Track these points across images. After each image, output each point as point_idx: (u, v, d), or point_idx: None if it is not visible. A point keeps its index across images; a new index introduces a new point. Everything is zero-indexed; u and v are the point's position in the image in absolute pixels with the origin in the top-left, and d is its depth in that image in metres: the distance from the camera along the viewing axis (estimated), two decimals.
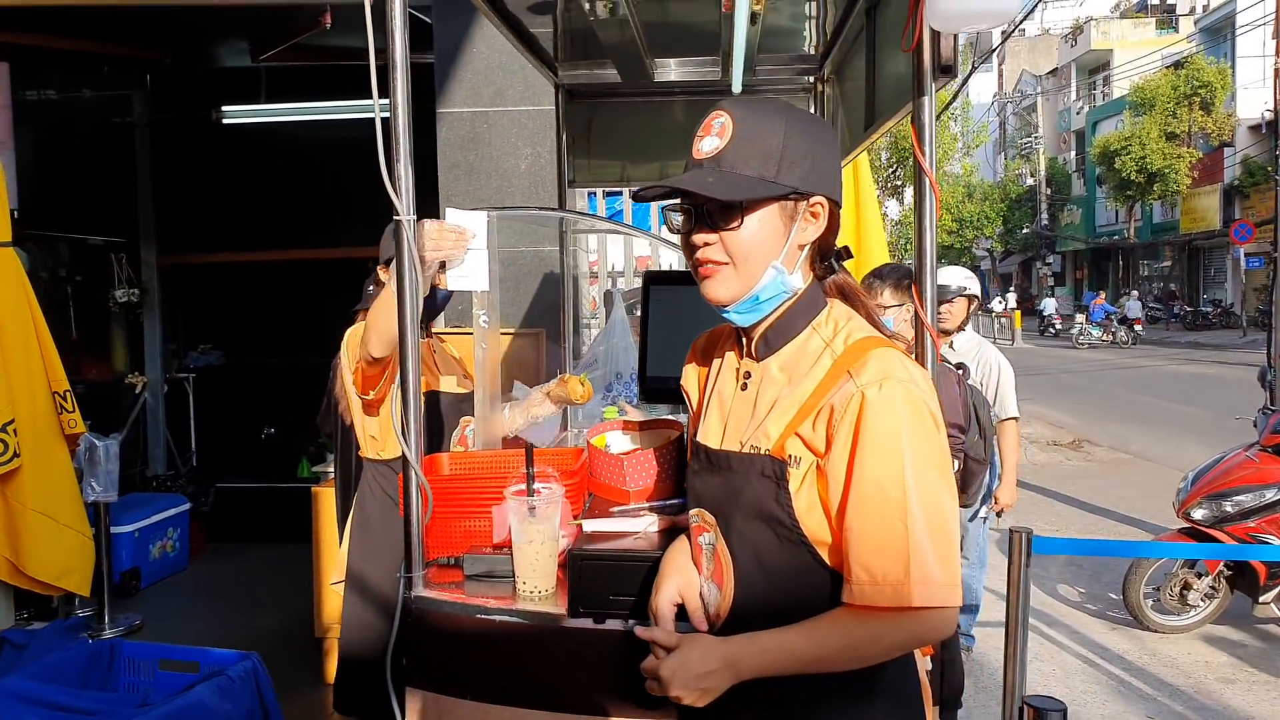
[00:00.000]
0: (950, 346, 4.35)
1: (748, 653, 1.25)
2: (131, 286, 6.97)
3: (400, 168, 1.61)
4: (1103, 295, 31.01)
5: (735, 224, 1.26)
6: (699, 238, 1.29)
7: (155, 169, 7.22)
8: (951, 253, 41.01)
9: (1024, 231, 42.11)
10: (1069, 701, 4.16)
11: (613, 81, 3.40)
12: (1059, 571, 5.95)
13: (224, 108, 7.13)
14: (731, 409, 1.38)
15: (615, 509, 1.77)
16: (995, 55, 49.22)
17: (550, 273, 4.85)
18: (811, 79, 3.46)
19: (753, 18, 2.47)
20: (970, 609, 4.51)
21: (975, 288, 4.34)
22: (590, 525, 1.66)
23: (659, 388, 1.84)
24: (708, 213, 1.27)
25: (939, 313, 4.33)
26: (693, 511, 1.41)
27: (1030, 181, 42.85)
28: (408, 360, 1.64)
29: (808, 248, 1.32)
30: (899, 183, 24.47)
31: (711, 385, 1.45)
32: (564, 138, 3.51)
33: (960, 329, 4.34)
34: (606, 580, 1.53)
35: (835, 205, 1.32)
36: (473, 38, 5.03)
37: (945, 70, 1.61)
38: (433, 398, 2.58)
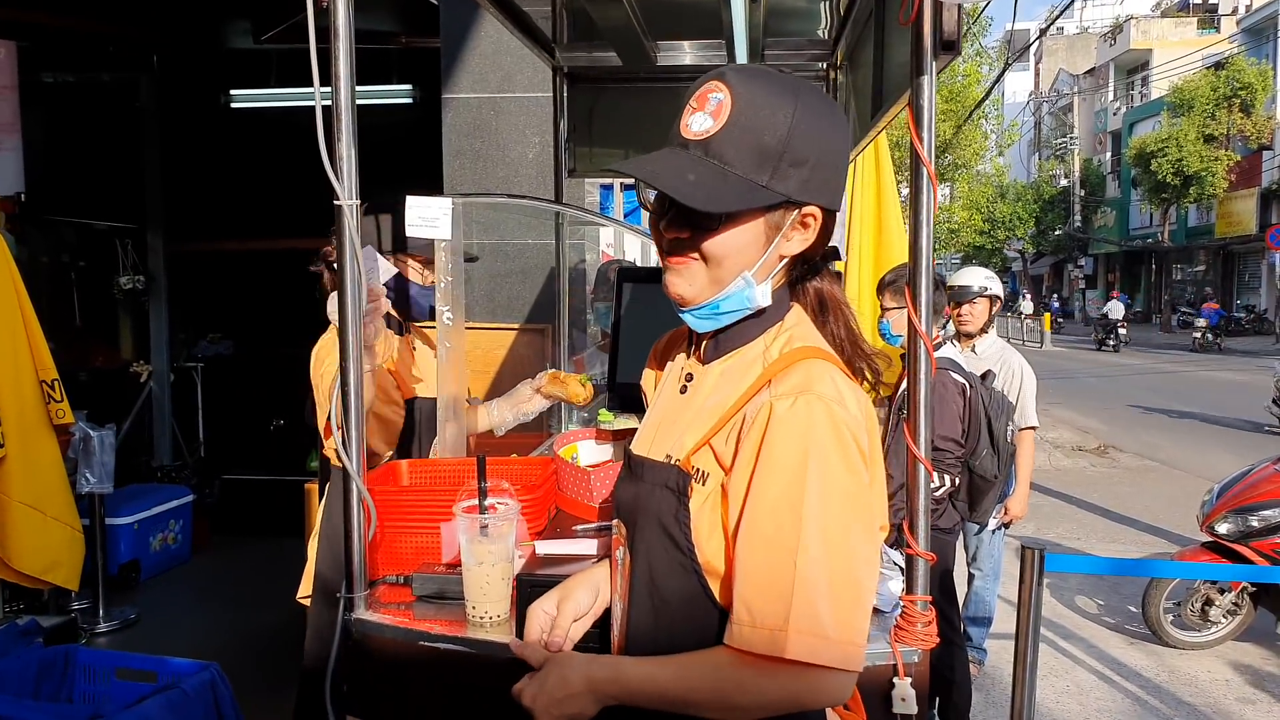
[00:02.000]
0: (973, 350, 4.19)
1: (611, 678, 1.10)
2: (137, 273, 6.91)
3: (342, 148, 1.47)
4: (1214, 301, 29.37)
5: (712, 227, 1.09)
6: (670, 233, 1.12)
7: (163, 153, 7.15)
8: (983, 253, 40.48)
9: (1056, 233, 41.50)
10: (1083, 719, 3.99)
11: (614, 65, 3.25)
12: (1078, 583, 5.74)
13: (233, 91, 7.04)
14: (665, 413, 1.24)
15: (579, 527, 1.62)
16: (1032, 53, 48.56)
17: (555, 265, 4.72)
18: (824, 65, 3.29)
19: None
20: (983, 621, 4.35)
21: (997, 288, 4.20)
22: (544, 547, 1.51)
23: (631, 395, 1.69)
24: (684, 208, 1.08)
25: (960, 315, 4.20)
26: (614, 522, 1.26)
27: (1064, 182, 42.21)
28: (349, 359, 1.50)
29: (788, 259, 1.16)
30: None
31: (660, 386, 1.32)
32: (562, 124, 3.37)
33: (983, 331, 4.19)
34: None
35: (830, 214, 1.15)
36: (480, 22, 4.89)
37: (947, 46, 1.44)
38: (410, 405, 2.41)
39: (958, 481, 3.39)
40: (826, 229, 1.16)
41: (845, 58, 3.08)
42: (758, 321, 1.18)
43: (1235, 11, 36.91)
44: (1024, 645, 2.96)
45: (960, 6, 1.43)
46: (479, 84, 4.93)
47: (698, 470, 1.12)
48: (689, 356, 1.26)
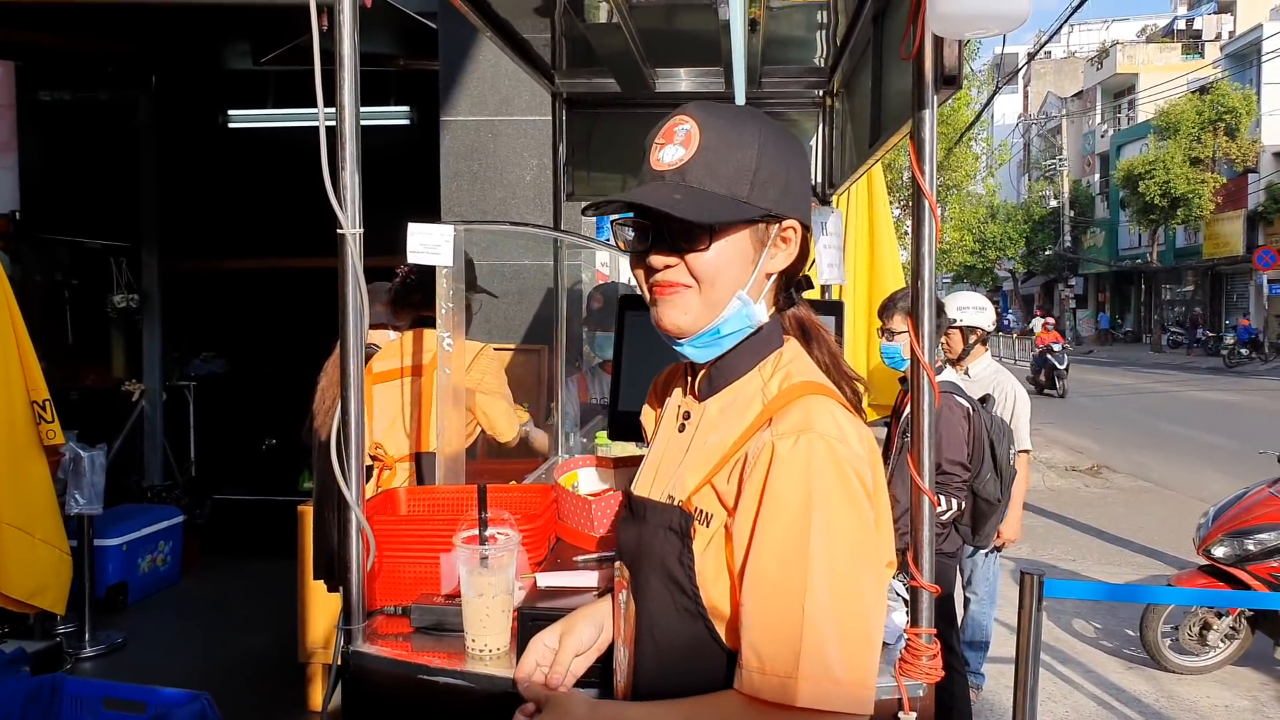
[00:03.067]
0: (966, 374, 4.19)
1: None
2: (131, 292, 6.88)
3: (346, 177, 1.46)
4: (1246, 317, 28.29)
5: (702, 246, 1.09)
6: (658, 259, 1.11)
7: (159, 172, 7.14)
8: (974, 273, 40.70)
9: (1047, 253, 41.76)
10: None
11: (613, 91, 3.26)
12: (1075, 606, 5.73)
13: (230, 111, 7.05)
14: (665, 453, 1.23)
15: (579, 558, 1.61)
16: (1020, 76, 49.03)
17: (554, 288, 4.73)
18: (820, 93, 3.32)
19: (752, 25, 2.32)
20: (980, 645, 4.33)
21: (972, 319, 4.08)
22: (545, 579, 1.50)
23: (630, 424, 1.68)
24: (669, 232, 1.09)
25: (946, 340, 4.22)
26: (616, 565, 1.24)
27: (1054, 203, 42.53)
28: (349, 390, 1.49)
29: (774, 277, 1.17)
30: None
31: (660, 425, 1.31)
32: (561, 148, 3.38)
33: (961, 360, 4.16)
34: None
35: (807, 230, 1.17)
36: (478, 45, 4.91)
37: (949, 81, 1.45)
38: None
39: (963, 506, 3.39)
40: (805, 245, 1.18)
41: (842, 86, 3.10)
42: (750, 351, 1.17)
43: (1219, 37, 37.37)
44: (1024, 671, 2.95)
45: (960, 42, 1.44)
46: (477, 107, 4.95)
47: (700, 511, 1.10)
48: (685, 393, 1.25)
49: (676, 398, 1.27)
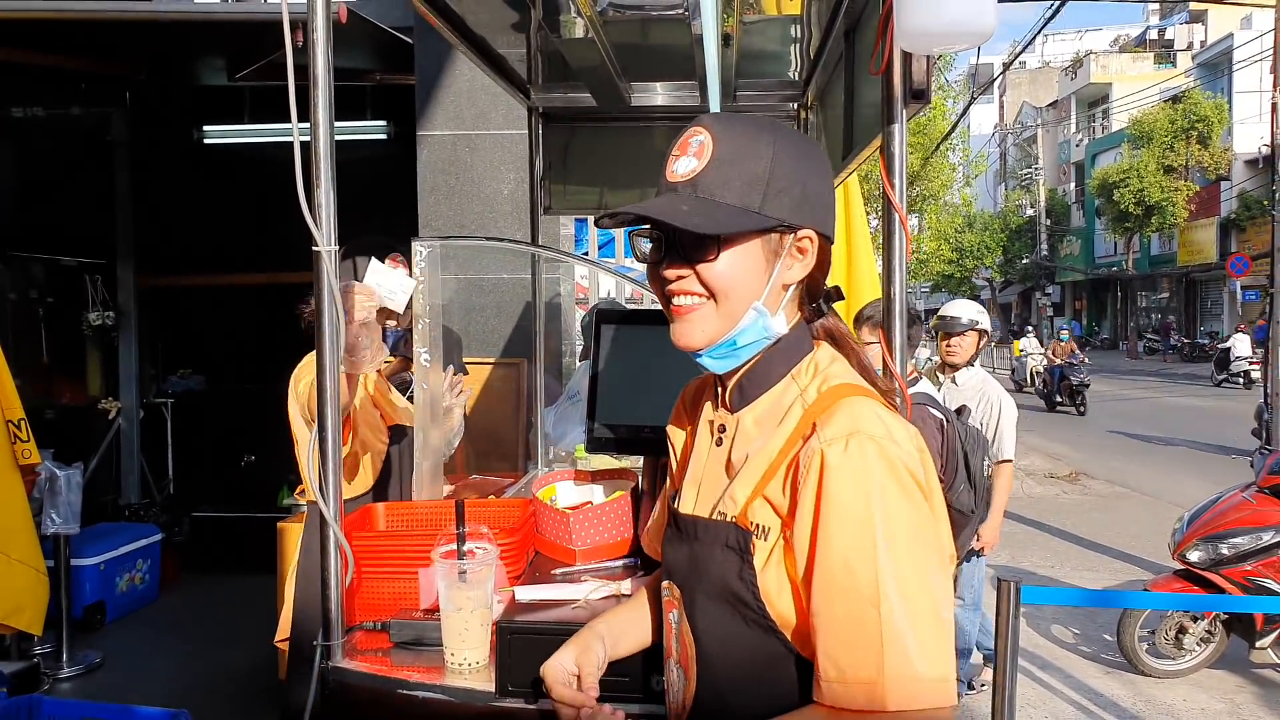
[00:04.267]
0: (953, 382, 4.26)
1: None
2: (106, 309, 6.83)
3: (320, 194, 1.47)
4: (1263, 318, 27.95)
5: (711, 257, 1.08)
6: (671, 271, 1.11)
7: (135, 188, 7.11)
8: (951, 282, 41.02)
9: (1024, 262, 42.16)
10: None
11: (589, 105, 3.28)
12: (1053, 612, 5.77)
13: (205, 127, 7.03)
14: (706, 468, 1.21)
15: (558, 571, 1.62)
16: (996, 86, 49.56)
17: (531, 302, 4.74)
18: (795, 106, 3.35)
19: (725, 40, 2.35)
20: (963, 652, 4.35)
21: (986, 322, 4.26)
22: (524, 593, 1.50)
23: (607, 437, 1.69)
24: (680, 244, 1.09)
25: (949, 346, 4.28)
26: (664, 584, 1.23)
27: (1030, 212, 42.98)
28: (326, 403, 1.49)
29: (793, 287, 1.15)
30: None
31: (693, 441, 1.28)
32: (538, 162, 3.39)
33: (969, 364, 4.26)
34: (539, 655, 1.36)
35: (826, 240, 1.15)
36: (455, 60, 4.93)
37: (917, 95, 1.48)
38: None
39: None
40: (824, 256, 1.16)
41: (816, 99, 3.14)
42: (781, 358, 1.16)
43: (1190, 47, 37.93)
44: (1002, 677, 2.97)
45: (929, 58, 1.47)
46: (454, 121, 4.96)
47: (757, 526, 1.09)
48: (716, 407, 1.23)
49: (708, 412, 1.25)
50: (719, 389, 1.22)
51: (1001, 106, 51.80)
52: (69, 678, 4.62)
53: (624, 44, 2.71)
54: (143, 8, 4.71)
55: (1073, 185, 42.05)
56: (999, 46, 44.37)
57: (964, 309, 4.29)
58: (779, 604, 1.07)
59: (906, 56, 1.47)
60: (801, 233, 1.11)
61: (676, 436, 1.35)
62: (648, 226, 1.13)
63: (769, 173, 1.09)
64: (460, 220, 4.96)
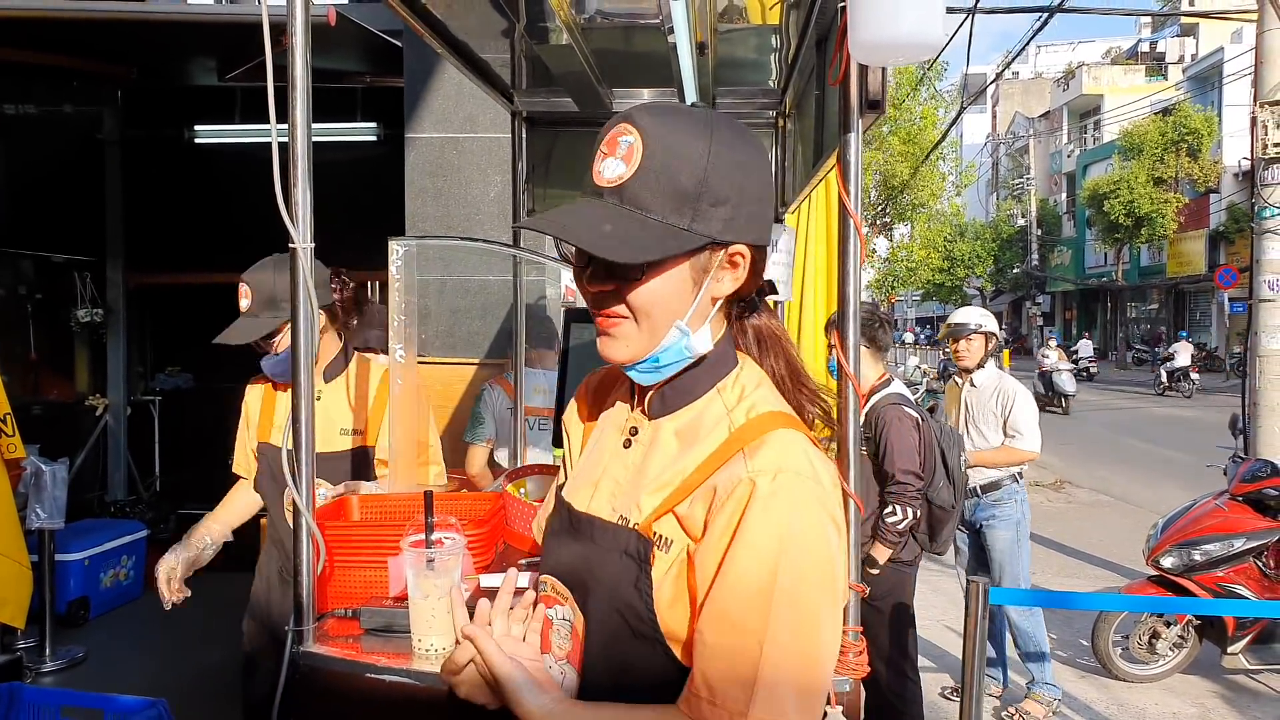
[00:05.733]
0: (971, 384, 4.44)
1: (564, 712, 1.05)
2: (95, 306, 6.86)
3: (298, 193, 1.52)
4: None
5: (635, 277, 1.03)
6: (594, 286, 1.07)
7: (125, 186, 7.14)
8: (942, 290, 41.19)
9: (1015, 271, 42.37)
10: None
11: (571, 110, 3.33)
12: None
13: (196, 127, 7.07)
14: (607, 467, 1.17)
15: (524, 561, 1.67)
16: (989, 96, 49.82)
17: (526, 304, 4.79)
18: (774, 114, 3.41)
19: (700, 48, 2.40)
20: (1041, 656, 4.39)
21: (991, 325, 4.44)
22: (487, 580, 1.55)
23: None
24: (604, 259, 1.01)
25: (956, 350, 4.45)
26: (542, 578, 1.18)
27: (1021, 222, 43.19)
28: (300, 398, 1.54)
29: (722, 300, 1.11)
30: (888, 219, 24.56)
31: (594, 435, 1.26)
32: (521, 165, 3.44)
33: (980, 366, 4.42)
34: None
35: (760, 250, 1.10)
36: (443, 63, 4.98)
37: (873, 105, 1.53)
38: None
39: (919, 514, 3.48)
40: (757, 266, 1.11)
41: (793, 107, 3.20)
42: (707, 372, 1.13)
43: (1182, 60, 38.21)
44: (970, 678, 3.03)
45: (884, 70, 1.53)
46: (442, 124, 5.01)
47: (660, 537, 1.07)
48: (633, 408, 1.20)
49: (620, 411, 1.22)
50: (636, 392, 1.18)
51: (994, 116, 52.09)
52: (51, 671, 4.65)
53: (604, 50, 2.76)
54: (135, 8, 4.76)
55: (1064, 195, 42.31)
56: (992, 56, 44.54)
57: (968, 314, 4.49)
58: (669, 617, 1.06)
59: (863, 68, 1.53)
60: (734, 248, 1.07)
61: (575, 429, 1.31)
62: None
63: (702, 184, 1.01)
64: (447, 222, 5.01)
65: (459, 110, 5.00)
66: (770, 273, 3.27)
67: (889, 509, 3.42)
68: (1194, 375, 21.79)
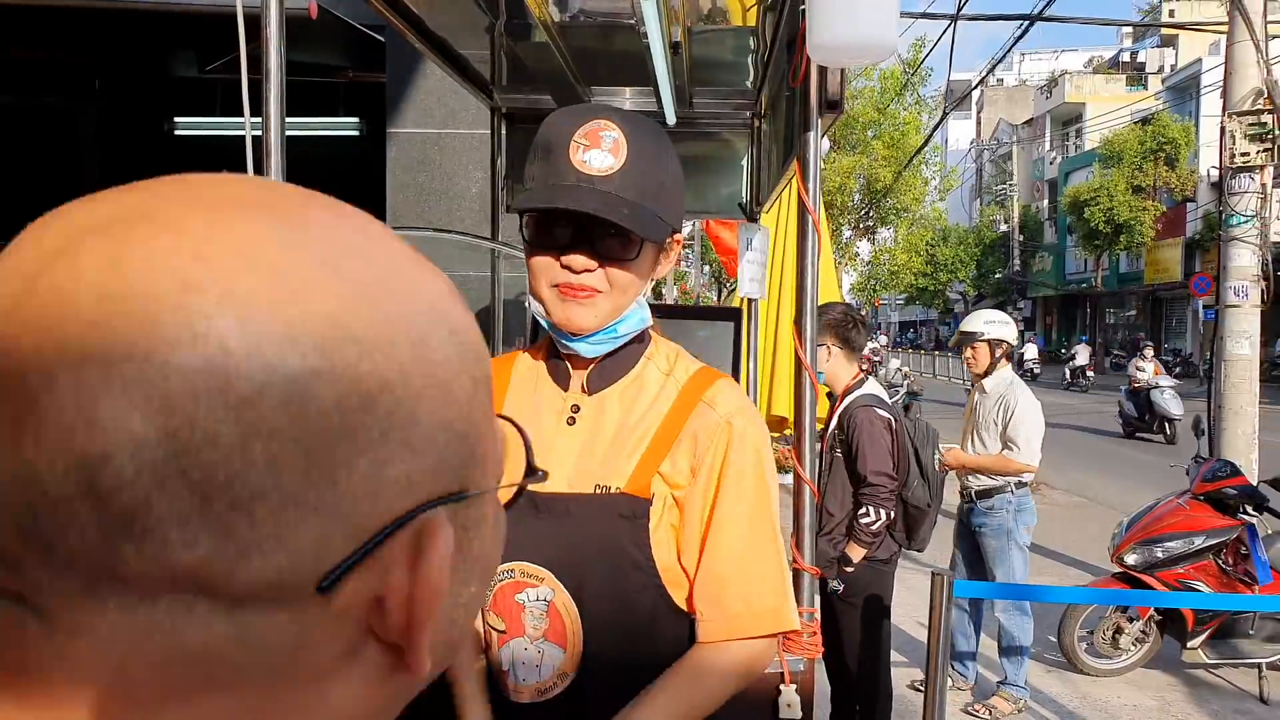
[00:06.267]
0: (982, 390, 4.44)
1: None
2: None
3: None
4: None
5: (629, 256, 1.16)
6: (579, 259, 1.15)
7: (103, 179, 7.02)
8: (925, 295, 41.51)
9: (997, 276, 42.71)
10: None
11: (551, 108, 3.38)
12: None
13: (176, 118, 7.07)
14: (555, 448, 1.23)
15: None
16: (974, 103, 50.21)
17: (504, 300, 4.82)
18: (750, 114, 3.47)
19: (674, 48, 2.46)
20: (1024, 650, 4.49)
21: (998, 332, 4.35)
22: None
23: None
24: (595, 238, 1.14)
25: (965, 358, 4.47)
26: (507, 567, 1.22)
27: (1004, 228, 43.55)
28: None
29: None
30: (871, 223, 24.74)
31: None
32: (500, 161, 3.49)
33: (988, 373, 4.39)
34: None
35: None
36: (424, 59, 5.01)
37: (831, 106, 1.59)
38: None
39: (893, 515, 3.51)
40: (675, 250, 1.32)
41: (768, 108, 3.26)
42: (636, 345, 1.27)
43: (1161, 70, 38.64)
44: (935, 671, 3.09)
45: (842, 72, 1.59)
46: (424, 119, 5.04)
47: (652, 494, 1.20)
48: (566, 389, 1.27)
49: (550, 394, 1.27)
50: (565, 374, 1.26)
51: (979, 123, 52.50)
52: None
53: (582, 49, 2.81)
54: None
55: (1046, 202, 42.70)
56: (978, 63, 44.97)
57: (972, 321, 4.44)
58: (663, 558, 1.21)
59: (822, 70, 1.59)
60: (676, 235, 1.25)
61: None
62: (558, 214, 1.14)
63: (670, 179, 1.20)
64: (428, 217, 5.05)
65: (441, 106, 5.03)
66: (745, 271, 3.34)
67: (862, 510, 3.44)
68: (1089, 373, 26.07)
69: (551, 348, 1.29)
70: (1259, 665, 4.65)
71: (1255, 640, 4.69)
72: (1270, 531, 4.92)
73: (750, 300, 3.52)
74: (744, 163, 3.58)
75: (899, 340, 41.80)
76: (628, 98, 3.42)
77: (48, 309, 0.31)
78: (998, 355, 4.38)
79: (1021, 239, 42.50)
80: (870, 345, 11.56)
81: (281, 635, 0.33)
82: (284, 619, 0.32)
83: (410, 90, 5.04)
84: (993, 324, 4.39)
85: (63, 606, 0.31)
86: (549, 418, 1.26)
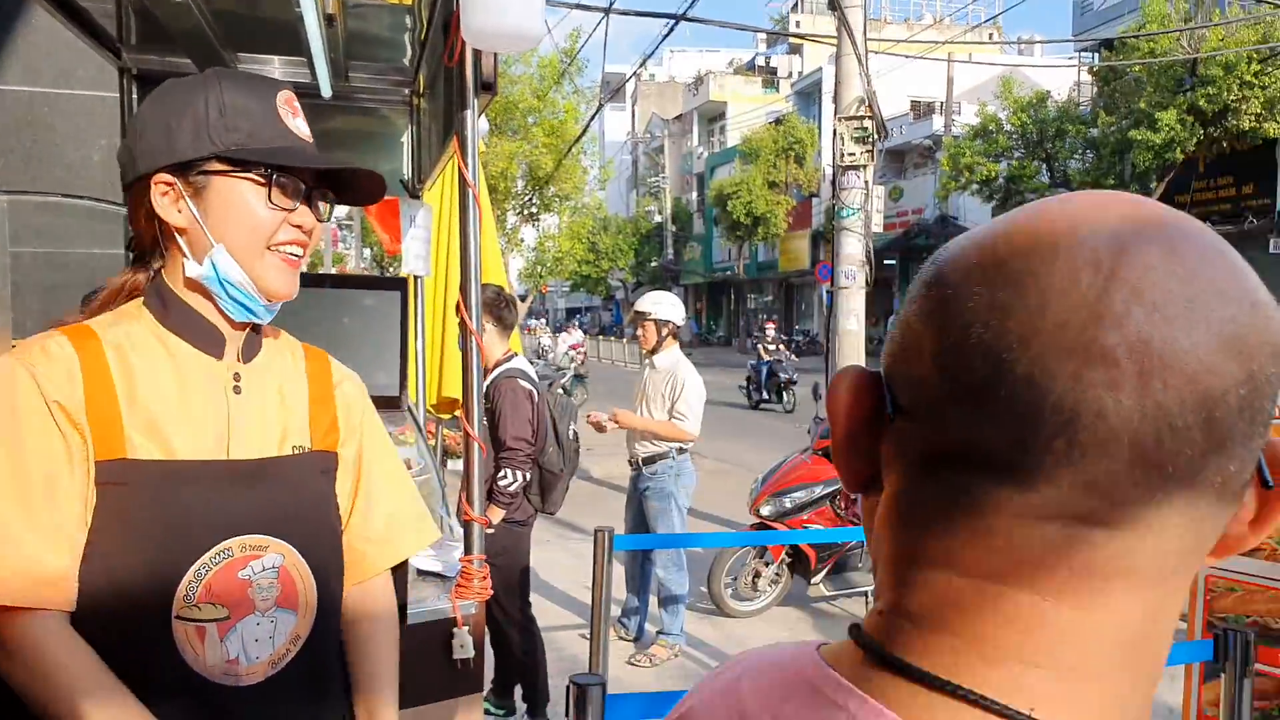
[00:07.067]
0: (651, 366, 4.77)
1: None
2: None
3: None
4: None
5: (325, 218, 1.27)
6: (309, 221, 1.20)
7: None
8: (589, 281, 43.19)
9: (653, 265, 45.40)
10: (659, 690, 4.49)
11: (191, 72, 3.14)
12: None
13: None
14: (231, 416, 1.19)
15: None
16: (629, 96, 52.80)
17: None
18: (408, 92, 3.46)
19: (329, 20, 2.41)
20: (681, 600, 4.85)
21: (664, 313, 4.71)
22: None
23: None
24: (316, 197, 1.23)
25: (636, 333, 4.75)
26: (222, 546, 1.15)
27: (658, 218, 46.35)
28: None
29: None
30: (535, 209, 25.27)
31: (155, 395, 1.16)
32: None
33: (655, 350, 4.74)
34: None
35: None
36: (34, 8, 4.40)
37: (486, 87, 1.67)
38: None
39: (528, 477, 3.72)
40: None
41: (427, 86, 3.27)
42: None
43: (791, 75, 43.21)
44: (599, 624, 3.32)
45: (495, 55, 1.67)
46: (31, 76, 4.41)
47: (335, 452, 1.32)
48: (220, 359, 1.21)
49: (197, 363, 1.19)
50: (212, 343, 1.21)
51: (634, 116, 55.30)
52: None
53: (226, 11, 2.66)
54: None
55: (695, 195, 46.02)
56: (633, 57, 47.44)
57: (643, 301, 4.80)
58: (344, 507, 1.34)
59: (477, 52, 1.67)
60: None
61: (82, 412, 1.17)
62: (288, 173, 1.17)
63: None
64: (42, 187, 4.44)
65: (53, 63, 4.44)
66: (410, 248, 3.34)
67: (501, 473, 3.62)
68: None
69: (180, 316, 1.18)
70: (865, 593, 5.48)
71: (862, 571, 5.53)
72: None
73: (416, 279, 3.52)
74: (404, 140, 3.56)
75: (563, 324, 43.27)
76: (277, 67, 3.27)
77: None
78: (664, 334, 4.78)
79: (674, 229, 45.51)
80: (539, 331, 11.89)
81: (1220, 520, 0.45)
82: (1229, 510, 0.45)
83: (14, 42, 4.39)
84: (660, 305, 4.79)
85: (1126, 516, 0.42)
86: (211, 386, 1.20)
